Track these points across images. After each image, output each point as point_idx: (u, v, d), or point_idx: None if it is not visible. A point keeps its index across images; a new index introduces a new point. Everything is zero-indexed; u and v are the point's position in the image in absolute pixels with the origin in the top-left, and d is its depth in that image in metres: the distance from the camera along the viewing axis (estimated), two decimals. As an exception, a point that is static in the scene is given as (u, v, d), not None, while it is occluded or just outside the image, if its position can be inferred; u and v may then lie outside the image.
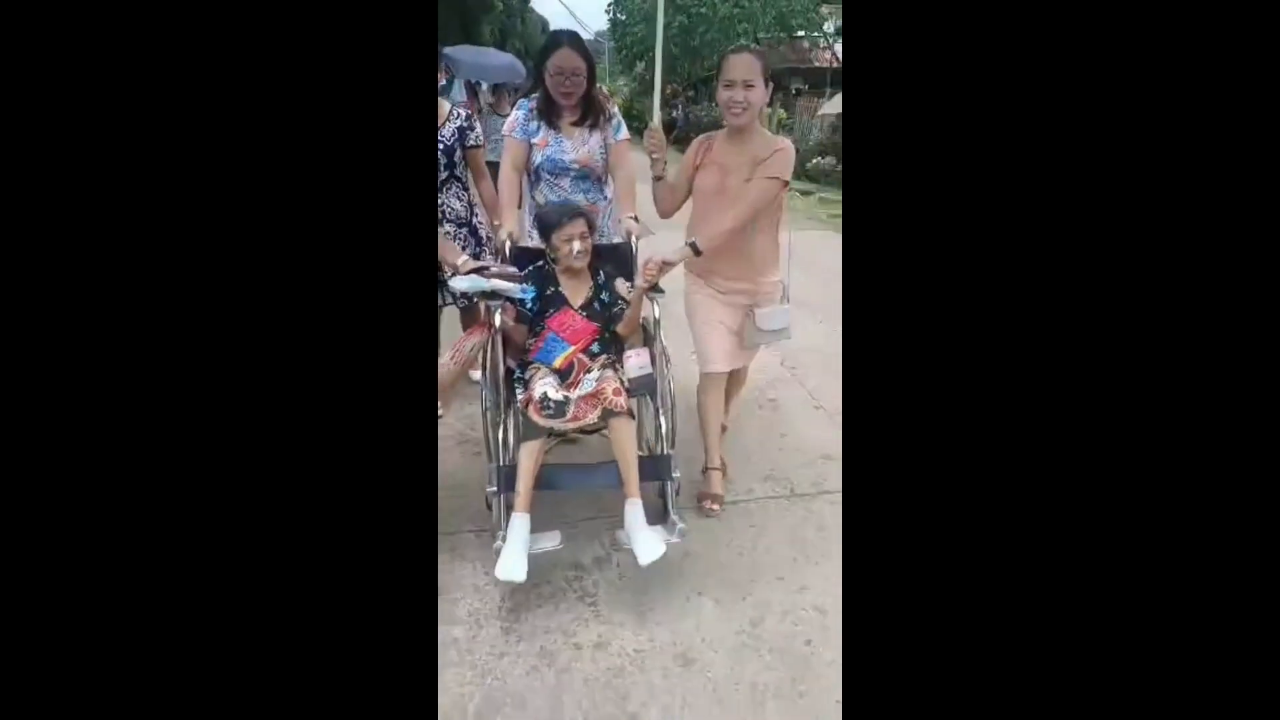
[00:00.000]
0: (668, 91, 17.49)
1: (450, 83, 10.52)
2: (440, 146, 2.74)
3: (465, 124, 2.80)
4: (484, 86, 10.40)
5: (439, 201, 2.81)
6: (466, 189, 2.88)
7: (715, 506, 2.46)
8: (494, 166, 3.16)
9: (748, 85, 2.14)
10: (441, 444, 2.62)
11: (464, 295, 2.17)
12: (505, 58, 11.82)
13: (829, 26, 17.02)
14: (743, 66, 2.15)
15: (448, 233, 2.80)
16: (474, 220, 2.89)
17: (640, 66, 19.93)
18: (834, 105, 13.86)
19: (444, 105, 2.83)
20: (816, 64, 18.11)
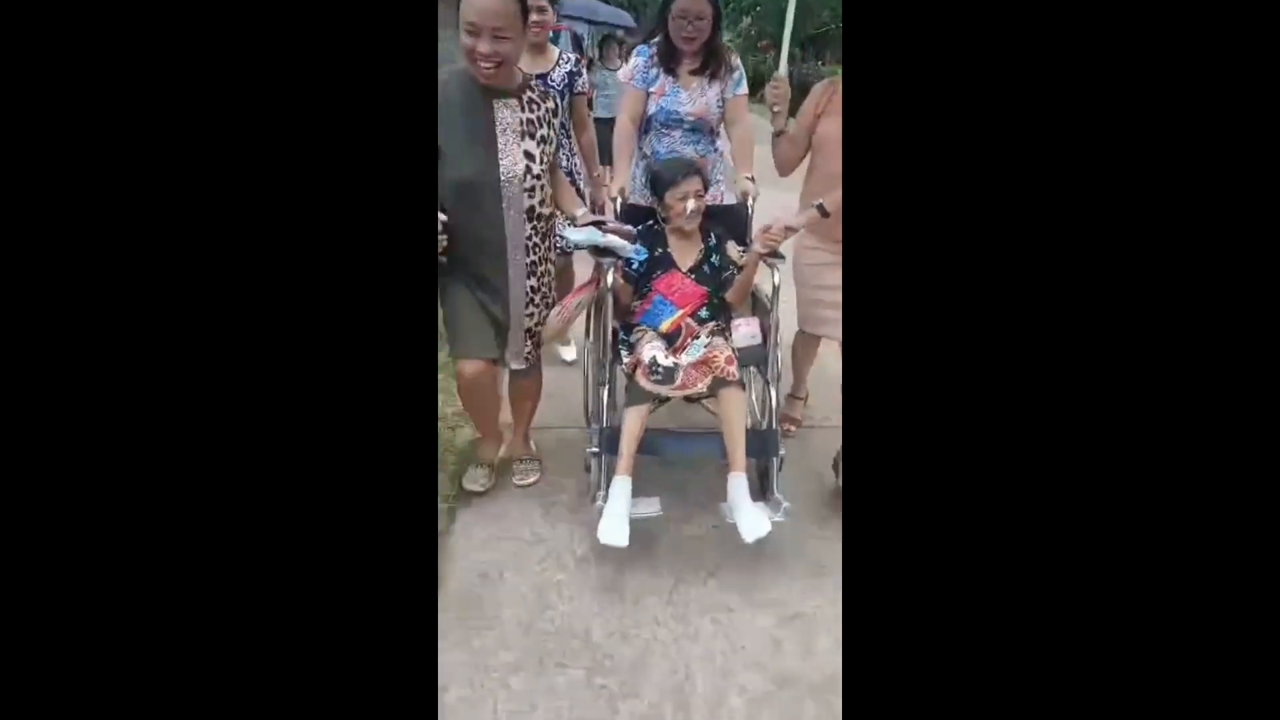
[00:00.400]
0: (763, 45, 16.80)
1: (557, 36, 10.38)
2: (551, 90, 2.64)
3: (574, 69, 2.68)
4: (589, 40, 10.23)
5: None
6: (570, 139, 2.76)
7: (791, 428, 2.62)
8: (601, 122, 3.02)
9: None
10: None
11: (573, 246, 2.11)
12: (608, 10, 11.52)
13: None
14: None
15: None
16: (575, 173, 2.77)
17: (746, 22, 19.11)
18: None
19: (552, 50, 2.72)
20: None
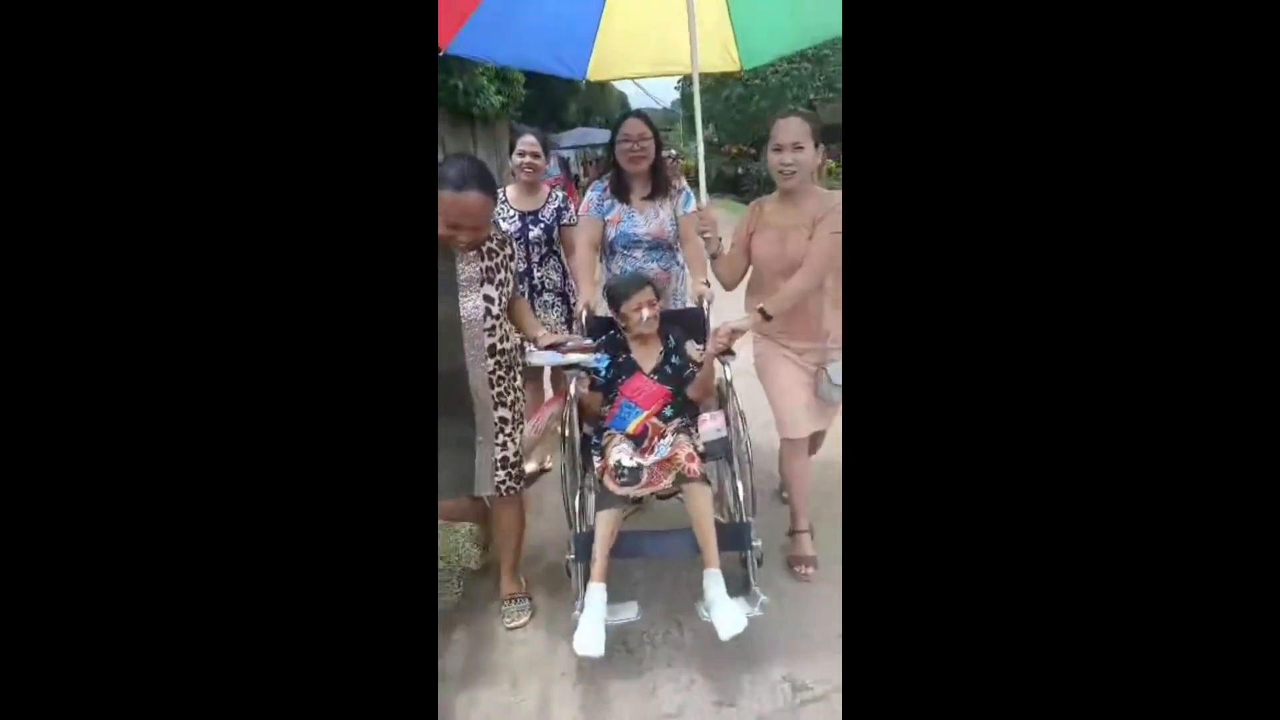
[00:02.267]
0: (734, 151, 17.60)
1: (550, 164, 10.92)
2: (541, 225, 2.75)
3: (562, 204, 2.81)
4: (571, 159, 10.69)
5: (538, 275, 2.79)
6: (563, 262, 2.89)
7: (808, 570, 2.21)
8: None
9: (796, 148, 2.01)
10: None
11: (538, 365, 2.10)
12: (576, 131, 12.12)
13: None
14: (790, 130, 2.02)
15: (546, 302, 2.80)
16: (567, 290, 2.88)
17: (708, 130, 20.12)
18: None
19: (544, 188, 2.84)
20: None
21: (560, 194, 2.87)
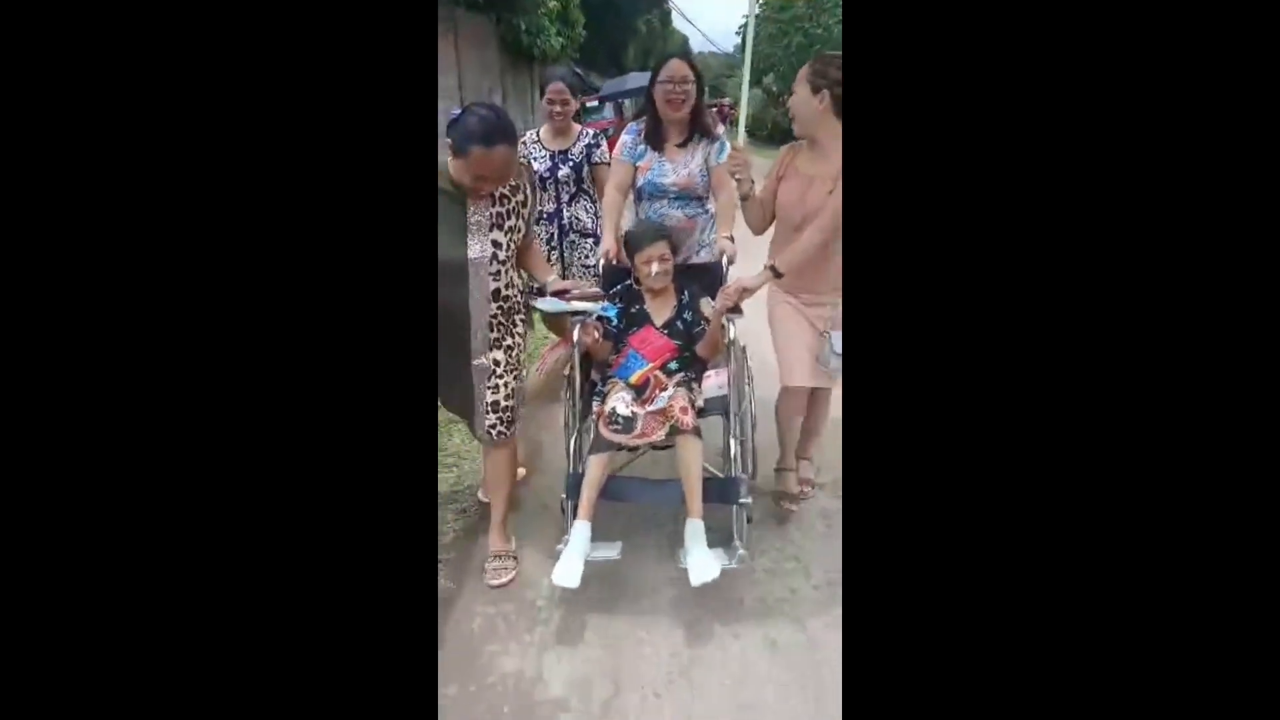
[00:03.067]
0: (783, 100, 17.16)
1: (600, 105, 10.63)
2: (571, 163, 2.67)
3: (593, 141, 2.72)
4: (627, 103, 10.46)
5: (567, 214, 2.72)
6: (594, 201, 2.79)
7: (792, 506, 2.22)
8: None
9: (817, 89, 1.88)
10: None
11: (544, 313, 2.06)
12: (633, 76, 11.84)
13: None
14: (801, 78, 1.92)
15: (573, 242, 2.72)
16: (599, 231, 2.77)
17: (769, 79, 19.36)
18: None
19: (574, 126, 2.74)
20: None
21: (591, 131, 2.77)
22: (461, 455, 2.61)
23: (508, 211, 1.85)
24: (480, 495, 2.33)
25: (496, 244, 1.82)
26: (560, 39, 12.12)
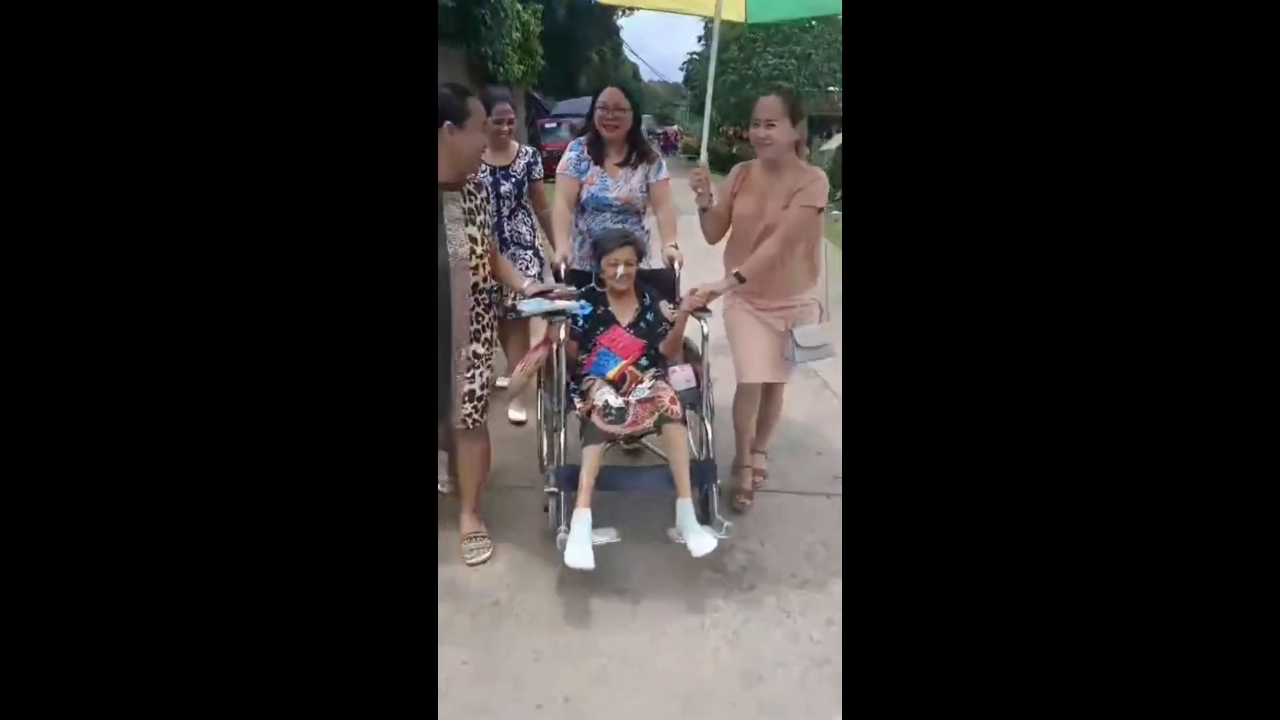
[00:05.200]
0: (730, 133, 17.34)
1: (558, 125, 10.58)
2: (512, 180, 2.63)
3: (532, 159, 2.69)
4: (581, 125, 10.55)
5: (508, 228, 2.67)
6: (531, 216, 2.77)
7: (747, 500, 2.23)
8: None
9: (769, 124, 1.95)
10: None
11: (527, 315, 2.03)
12: (568, 102, 11.83)
13: None
14: (765, 108, 1.97)
15: (513, 255, 2.67)
16: (536, 244, 2.77)
17: (711, 110, 19.80)
18: (832, 143, 13.43)
19: (514, 145, 2.69)
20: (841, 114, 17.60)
21: (529, 149, 2.74)
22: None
23: (477, 207, 1.84)
24: (441, 486, 2.18)
25: (472, 238, 1.80)
26: (521, 66, 12.16)
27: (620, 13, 18.63)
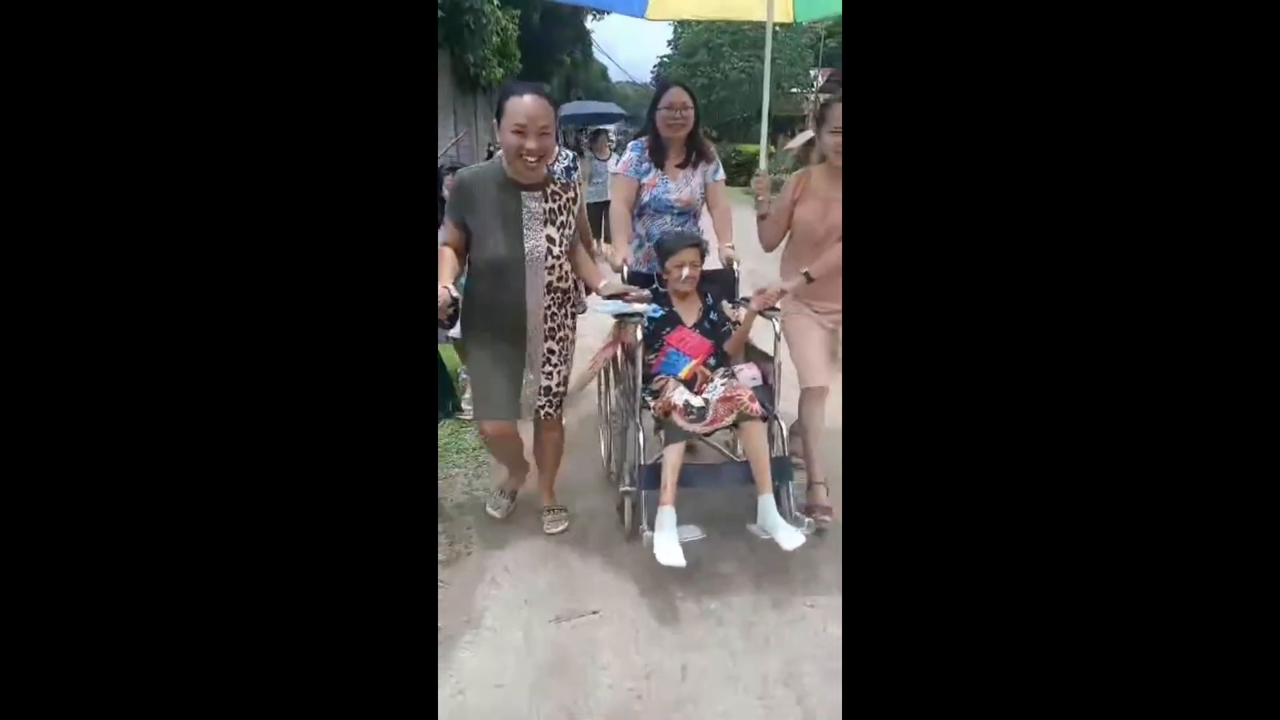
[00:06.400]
0: (704, 133, 17.58)
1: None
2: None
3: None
4: (585, 132, 10.41)
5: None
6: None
7: (826, 518, 1.98)
8: (593, 207, 2.83)
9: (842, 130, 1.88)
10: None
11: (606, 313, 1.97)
12: (598, 105, 11.85)
13: (818, 81, 17.06)
14: (840, 115, 1.87)
15: None
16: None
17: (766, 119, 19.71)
18: (796, 141, 13.56)
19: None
20: (805, 113, 17.71)
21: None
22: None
23: (559, 208, 1.77)
24: (490, 510, 2.08)
25: (550, 239, 1.75)
26: (501, 69, 12.00)
27: (593, 16, 18.39)
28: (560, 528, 2.00)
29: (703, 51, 18.30)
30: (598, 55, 23.99)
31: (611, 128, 9.54)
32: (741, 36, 17.20)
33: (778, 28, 2.71)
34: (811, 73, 17.79)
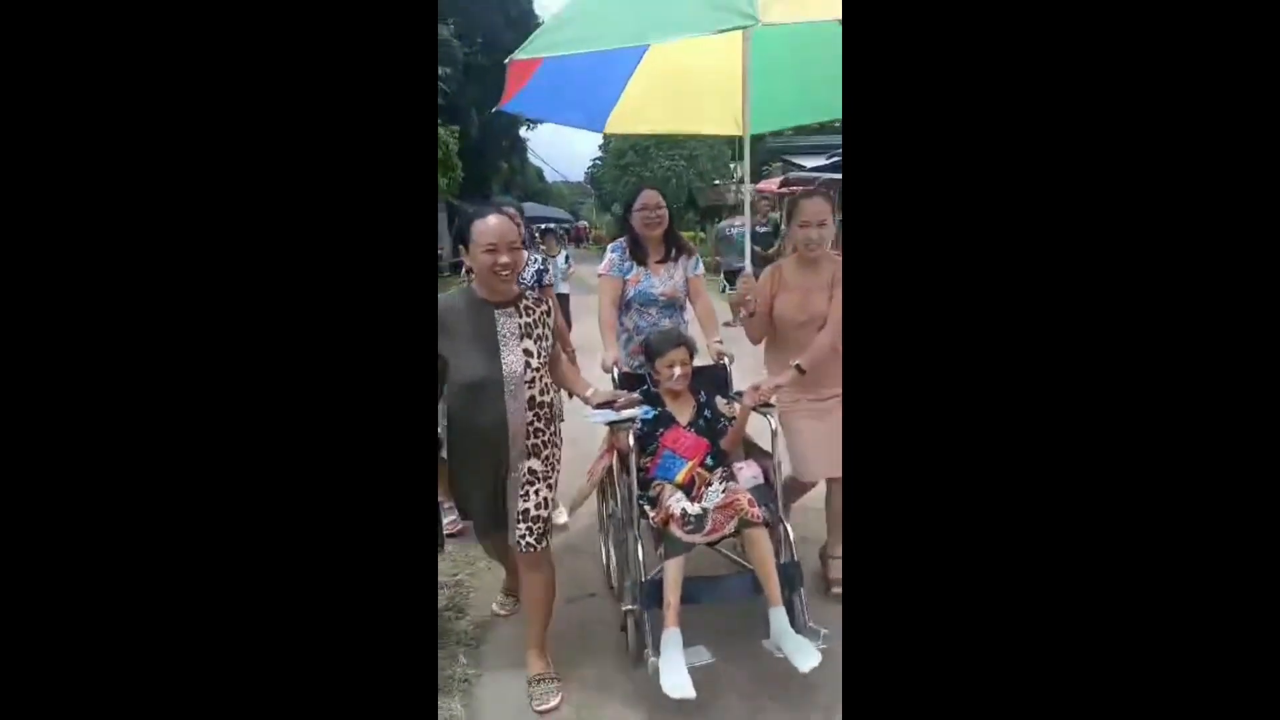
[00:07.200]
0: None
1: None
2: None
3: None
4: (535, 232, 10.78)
5: None
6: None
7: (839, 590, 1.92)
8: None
9: (820, 224, 1.88)
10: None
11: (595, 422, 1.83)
12: (546, 209, 12.29)
13: (738, 174, 18.21)
14: (816, 211, 1.89)
15: None
16: None
17: (616, 207, 20.50)
18: (725, 225, 14.23)
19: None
20: (730, 202, 18.72)
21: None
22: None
23: (534, 321, 1.66)
24: (494, 607, 1.95)
25: (528, 353, 1.62)
26: (444, 179, 12.21)
27: (528, 126, 19.20)
28: (552, 703, 1.60)
29: (630, 153, 19.28)
30: (532, 159, 24.94)
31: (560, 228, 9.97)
32: (665, 138, 18.23)
33: (723, 139, 2.86)
34: (730, 165, 18.94)
